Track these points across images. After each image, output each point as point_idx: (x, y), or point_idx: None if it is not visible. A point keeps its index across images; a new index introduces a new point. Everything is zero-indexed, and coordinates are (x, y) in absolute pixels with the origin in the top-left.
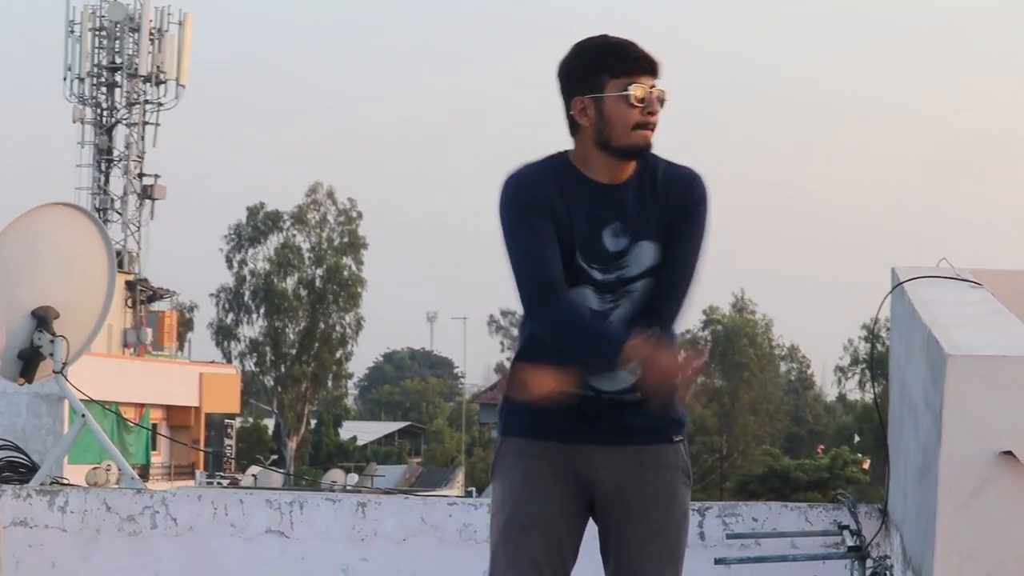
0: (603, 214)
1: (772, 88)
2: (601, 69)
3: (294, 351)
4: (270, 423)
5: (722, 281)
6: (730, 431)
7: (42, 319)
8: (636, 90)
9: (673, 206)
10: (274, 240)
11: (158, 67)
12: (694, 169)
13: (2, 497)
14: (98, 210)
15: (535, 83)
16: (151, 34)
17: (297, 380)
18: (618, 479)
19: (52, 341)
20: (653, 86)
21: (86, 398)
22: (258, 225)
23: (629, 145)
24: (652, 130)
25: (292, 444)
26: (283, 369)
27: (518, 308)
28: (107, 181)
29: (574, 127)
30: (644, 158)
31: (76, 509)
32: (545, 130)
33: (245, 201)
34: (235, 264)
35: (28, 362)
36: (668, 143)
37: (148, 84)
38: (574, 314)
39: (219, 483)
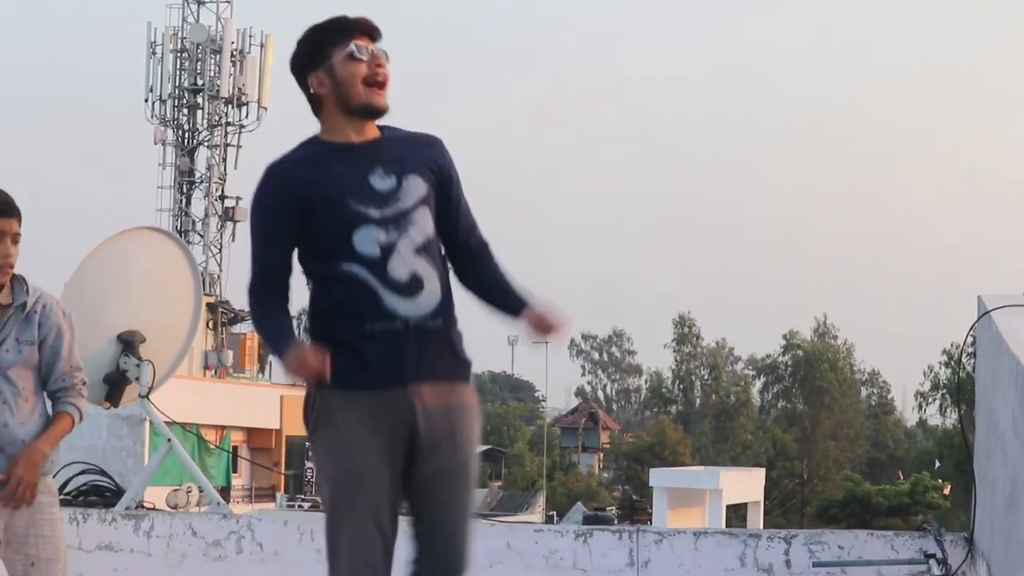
0: (365, 164)
1: (850, 114)
2: (325, 42)
3: None
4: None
5: (804, 306)
6: (811, 456)
7: (128, 343)
8: (356, 46)
9: (437, 156)
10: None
11: (239, 89)
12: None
13: (88, 521)
14: (179, 231)
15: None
16: (232, 56)
17: None
18: (429, 417)
19: (138, 365)
20: (377, 45)
21: (168, 420)
22: None
23: (366, 103)
24: (383, 87)
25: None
26: None
27: (598, 331)
28: (188, 203)
29: (316, 104)
30: (381, 117)
31: (162, 533)
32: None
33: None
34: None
35: (114, 386)
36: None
37: (229, 106)
38: (266, 314)
39: (300, 506)
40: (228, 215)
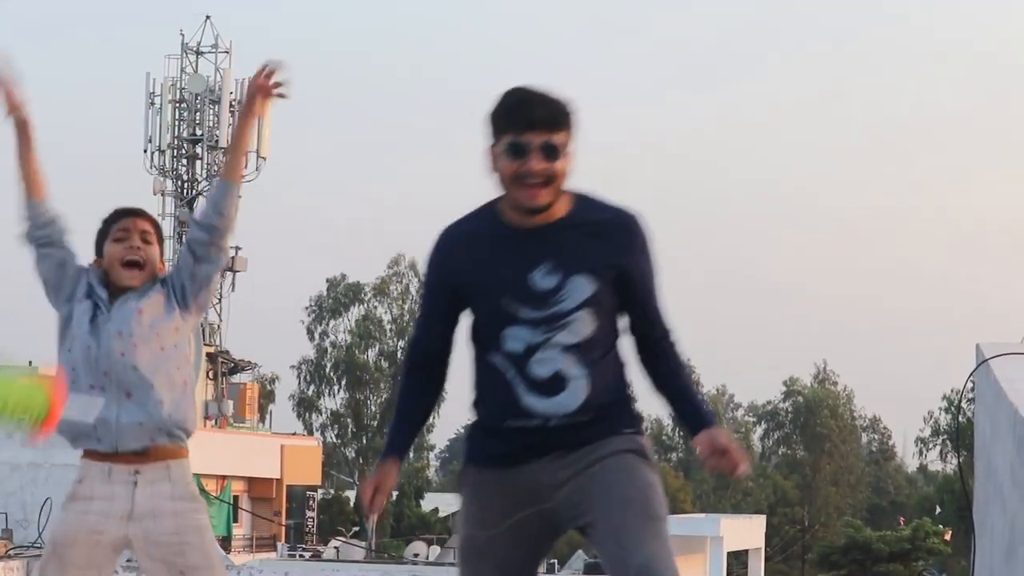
0: (531, 257)
1: (847, 157)
2: (496, 122)
3: (375, 423)
4: (351, 495)
5: (804, 352)
6: (812, 502)
7: None
8: (510, 140)
9: (624, 243)
10: (355, 312)
11: None
12: (630, 209)
13: None
14: None
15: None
16: (231, 106)
17: (379, 452)
18: (569, 477)
19: None
20: (543, 139)
21: None
22: (339, 297)
23: (517, 200)
24: (538, 183)
25: (373, 516)
26: (364, 441)
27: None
28: None
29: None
30: (537, 214)
31: None
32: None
33: (326, 273)
34: (316, 336)
35: None
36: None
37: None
38: (401, 392)
39: (301, 555)
40: (228, 265)
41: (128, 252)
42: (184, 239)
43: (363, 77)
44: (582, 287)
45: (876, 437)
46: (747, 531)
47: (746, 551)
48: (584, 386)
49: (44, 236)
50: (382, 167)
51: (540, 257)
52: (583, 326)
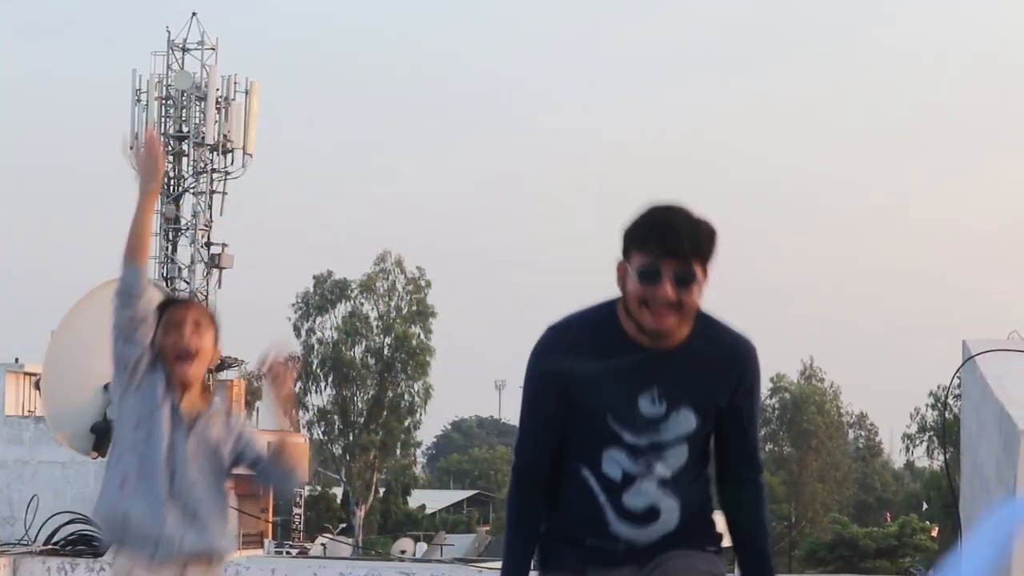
0: (641, 378)
1: (841, 156)
2: (632, 240)
3: (362, 419)
4: (338, 491)
5: (791, 350)
6: (798, 499)
7: None
8: (644, 263)
9: (734, 381)
10: (342, 309)
11: (225, 136)
12: (747, 339)
13: (76, 571)
14: (165, 279)
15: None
16: (218, 103)
17: (365, 449)
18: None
19: None
20: (679, 268)
21: None
22: (325, 294)
23: (641, 322)
24: (665, 312)
25: (360, 513)
26: (351, 438)
27: None
28: (174, 250)
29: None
30: (661, 339)
31: None
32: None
33: (312, 270)
34: (303, 333)
35: (101, 435)
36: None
37: (215, 153)
38: (512, 516)
39: (288, 552)
40: (214, 262)
41: (182, 344)
42: (256, 458)
43: (348, 75)
44: (687, 421)
45: (863, 434)
46: None
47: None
48: (675, 516)
49: (138, 316)
50: (370, 165)
51: (651, 382)
52: (680, 459)
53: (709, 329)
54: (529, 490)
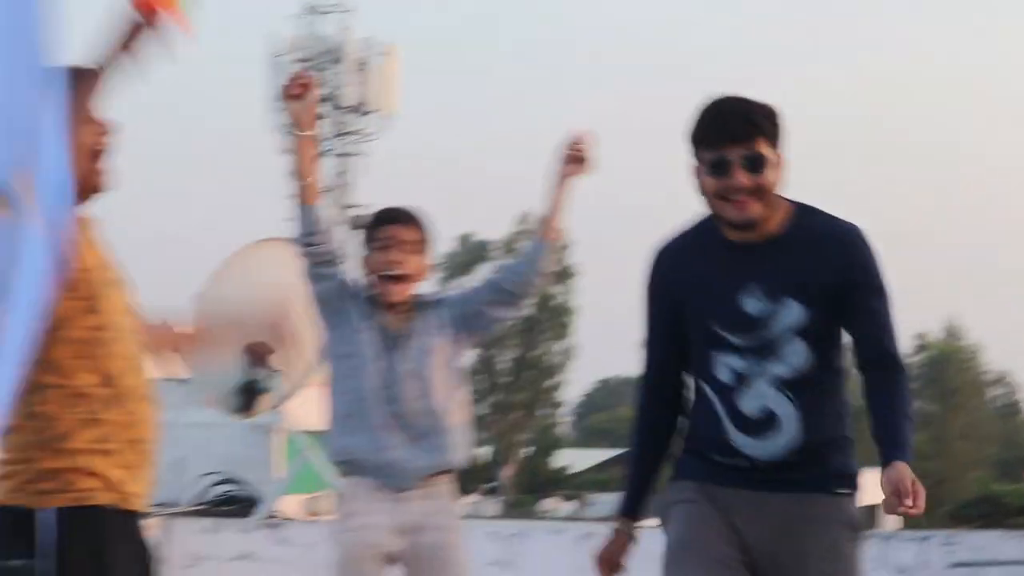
0: (740, 276)
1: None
2: (695, 139)
3: (507, 380)
4: (484, 452)
5: (933, 307)
6: (943, 457)
7: (260, 354)
8: (710, 157)
9: (840, 267)
10: (484, 269)
11: (363, 98)
12: (853, 224)
13: (225, 531)
14: None
15: None
16: (355, 65)
17: (511, 409)
18: (772, 535)
19: (271, 376)
20: (744, 152)
21: (301, 430)
22: (466, 255)
23: (725, 216)
24: (741, 199)
25: (506, 473)
26: (497, 398)
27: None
28: None
29: None
30: (745, 229)
31: (299, 542)
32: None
33: (453, 231)
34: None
35: (247, 396)
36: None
37: (354, 115)
38: (640, 418)
39: None
40: (355, 223)
41: (389, 265)
42: (490, 278)
43: (485, 36)
44: (794, 312)
45: (1005, 392)
46: (878, 485)
47: (877, 505)
48: (796, 428)
49: (324, 254)
50: (510, 126)
51: (750, 278)
52: (796, 357)
53: (808, 217)
54: (648, 400)
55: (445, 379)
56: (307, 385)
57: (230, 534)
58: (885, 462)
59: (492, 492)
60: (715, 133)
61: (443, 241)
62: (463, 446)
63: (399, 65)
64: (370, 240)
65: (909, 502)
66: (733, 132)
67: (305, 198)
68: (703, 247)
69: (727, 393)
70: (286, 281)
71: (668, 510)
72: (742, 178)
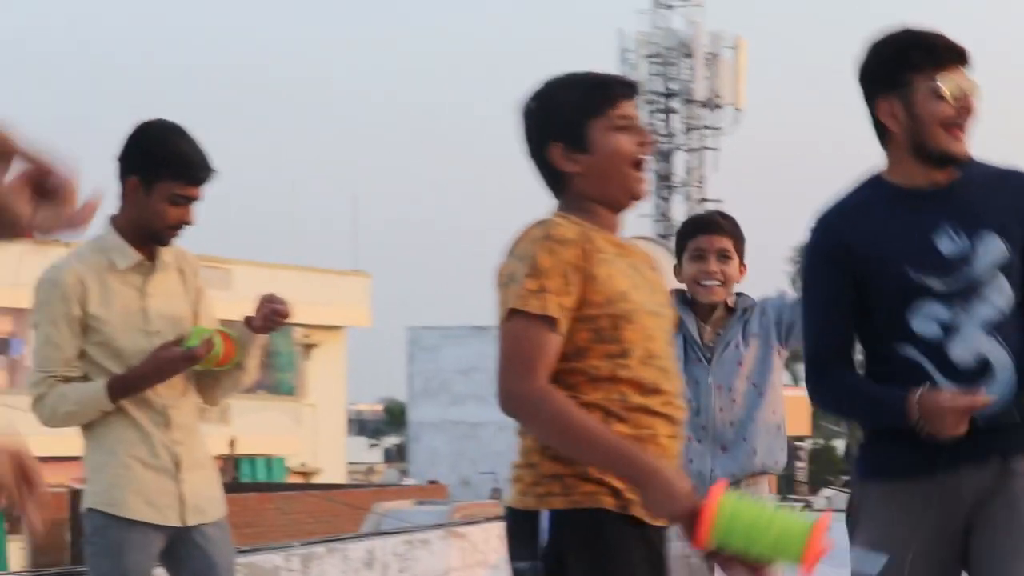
0: (932, 219)
1: None
2: (904, 64)
3: None
4: (840, 444)
5: None
6: None
7: None
8: (946, 82)
9: (1017, 205)
10: None
11: (714, 92)
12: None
13: None
14: (662, 236)
15: None
16: (705, 59)
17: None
18: (982, 499)
19: None
20: (965, 77)
21: None
22: None
23: (946, 149)
24: (966, 129)
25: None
26: None
27: None
28: (669, 208)
29: (883, 134)
30: (959, 166)
31: None
32: None
33: (805, 224)
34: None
35: None
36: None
37: (704, 109)
38: (844, 386)
39: (792, 506)
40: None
41: (703, 276)
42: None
43: (834, 28)
44: (995, 247)
45: None
46: None
47: None
48: (1011, 376)
49: None
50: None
51: (942, 217)
52: (1001, 297)
53: (977, 165)
54: (833, 374)
55: (756, 389)
56: None
57: None
58: None
59: (848, 485)
60: (938, 53)
61: (796, 234)
62: (773, 452)
63: (748, 59)
64: (683, 250)
65: None
66: (957, 54)
67: None
68: (881, 199)
69: (934, 347)
70: None
71: (860, 518)
72: (974, 103)
